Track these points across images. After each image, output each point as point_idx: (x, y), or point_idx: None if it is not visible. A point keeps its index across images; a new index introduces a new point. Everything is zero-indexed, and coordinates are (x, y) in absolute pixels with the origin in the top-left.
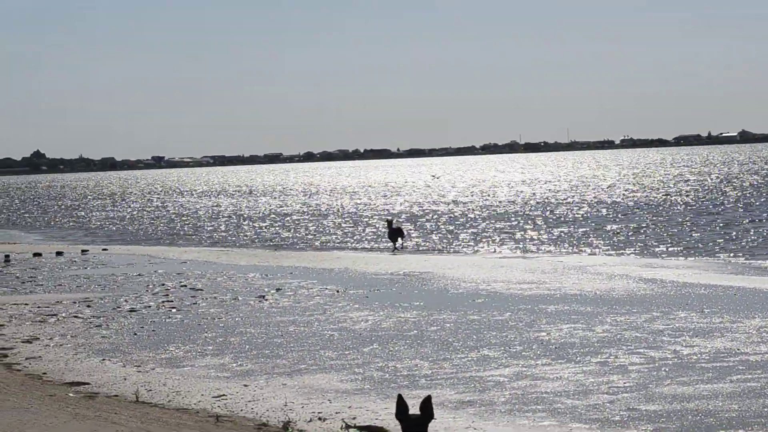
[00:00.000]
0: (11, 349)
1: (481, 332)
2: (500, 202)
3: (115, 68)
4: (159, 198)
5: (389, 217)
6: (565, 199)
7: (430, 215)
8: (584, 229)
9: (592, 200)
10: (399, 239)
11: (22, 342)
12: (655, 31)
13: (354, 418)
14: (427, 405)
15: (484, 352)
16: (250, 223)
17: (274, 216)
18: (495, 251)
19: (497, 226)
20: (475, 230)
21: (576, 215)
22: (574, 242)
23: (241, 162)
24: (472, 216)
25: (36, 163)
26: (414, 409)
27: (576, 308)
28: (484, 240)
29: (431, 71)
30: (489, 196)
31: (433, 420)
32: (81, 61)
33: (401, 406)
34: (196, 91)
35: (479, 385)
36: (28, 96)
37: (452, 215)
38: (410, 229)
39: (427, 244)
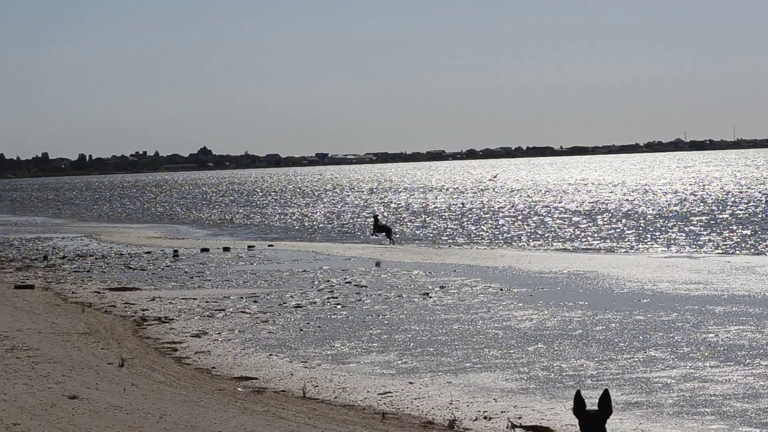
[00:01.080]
0: (181, 343)
1: (647, 333)
2: (665, 201)
3: (284, 65)
4: (324, 194)
5: (376, 214)
6: (731, 199)
7: (595, 214)
8: (751, 229)
9: (759, 199)
10: (386, 236)
11: (191, 336)
12: None
13: (519, 418)
14: (605, 400)
15: (651, 353)
16: (416, 219)
17: (437, 212)
18: (660, 251)
19: (663, 225)
20: (640, 229)
21: (743, 215)
22: (742, 242)
23: (403, 159)
24: (636, 215)
25: (203, 160)
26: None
27: (745, 309)
28: (649, 239)
29: (594, 64)
30: (655, 194)
31: (611, 415)
32: (250, 56)
33: (579, 401)
34: (361, 89)
35: (646, 386)
36: (196, 94)
37: (617, 214)
38: (581, 226)
39: (589, 243)
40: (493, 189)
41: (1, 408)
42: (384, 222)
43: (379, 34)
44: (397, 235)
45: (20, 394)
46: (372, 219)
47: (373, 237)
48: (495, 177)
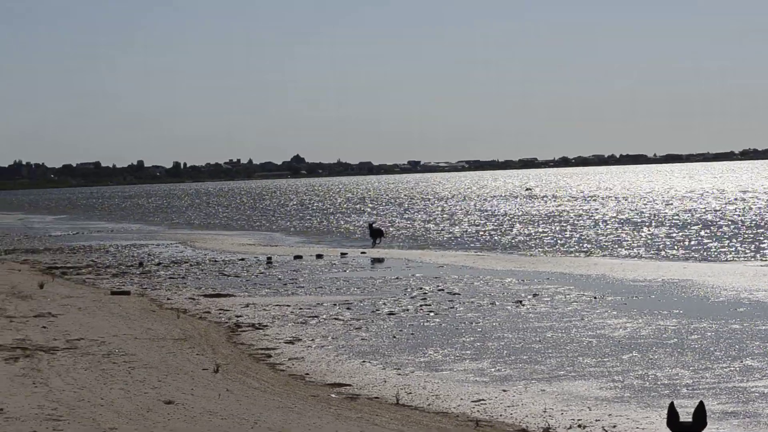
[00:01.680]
0: (275, 349)
1: (744, 342)
2: (762, 209)
3: (377, 73)
4: (414, 202)
5: (371, 220)
6: None
7: (689, 222)
8: None
9: None
10: (379, 238)
11: (285, 343)
12: None
13: (614, 427)
14: (700, 412)
15: (748, 363)
16: (503, 227)
17: (527, 221)
18: (757, 259)
19: (760, 233)
20: (736, 238)
21: None
22: None
23: (495, 167)
24: (732, 223)
25: (296, 167)
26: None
27: None
28: (745, 248)
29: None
30: (751, 202)
31: (705, 428)
32: (343, 65)
33: (672, 414)
34: (454, 97)
35: (743, 396)
36: (290, 102)
37: (713, 222)
38: (675, 235)
39: (684, 251)
40: (588, 197)
41: (98, 412)
42: (378, 227)
43: (472, 41)
44: (386, 237)
45: (117, 398)
46: (368, 226)
47: (376, 242)
48: (529, 189)
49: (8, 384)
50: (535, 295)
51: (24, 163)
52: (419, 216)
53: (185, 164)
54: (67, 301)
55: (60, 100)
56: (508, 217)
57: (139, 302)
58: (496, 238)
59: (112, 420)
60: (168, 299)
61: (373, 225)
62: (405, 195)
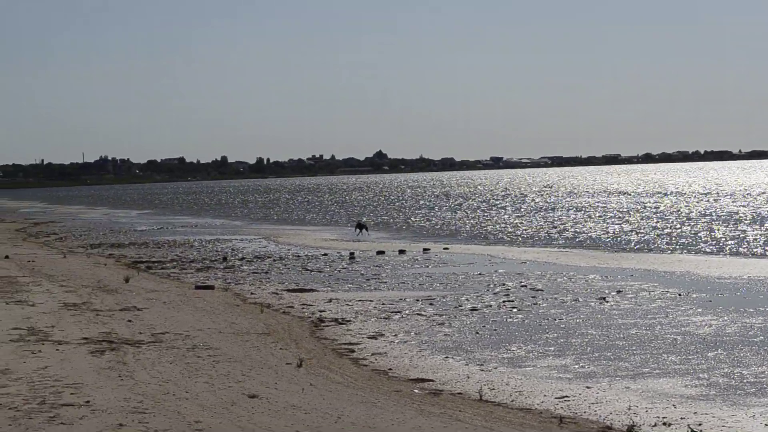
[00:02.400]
0: (358, 344)
1: None
2: None
3: (459, 69)
4: (497, 199)
5: (360, 221)
6: None
7: None
8: None
9: None
10: (364, 230)
11: (368, 338)
12: None
13: (700, 425)
14: None
15: None
16: (590, 224)
17: (611, 217)
18: None
19: None
20: None
21: None
22: None
23: (578, 163)
24: None
25: (378, 163)
26: None
27: None
28: None
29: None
30: None
31: None
32: (425, 61)
33: None
34: (535, 92)
35: None
36: (372, 99)
37: None
38: (761, 231)
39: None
40: (670, 193)
41: (183, 405)
42: (363, 222)
43: (552, 36)
44: (367, 231)
45: (201, 392)
46: (356, 222)
47: (358, 233)
48: (549, 186)
49: (95, 377)
50: (618, 291)
51: (110, 158)
52: (502, 212)
53: (268, 160)
54: (152, 295)
55: (145, 97)
56: (589, 213)
57: (223, 297)
58: (578, 234)
59: (197, 413)
60: (252, 294)
61: (361, 221)
62: (490, 191)
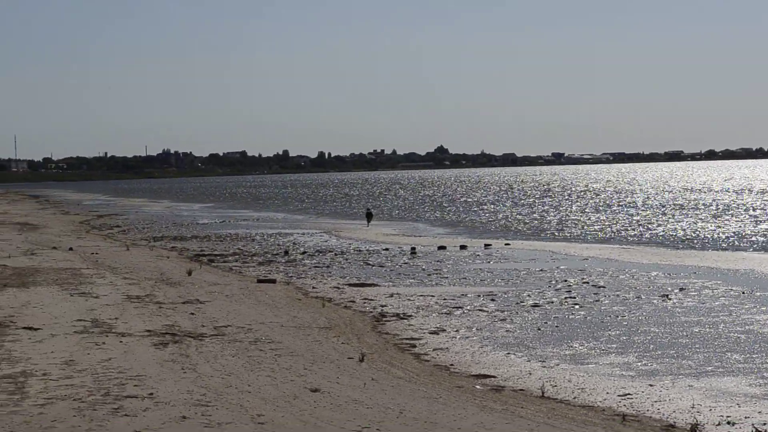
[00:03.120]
0: (419, 339)
1: None
2: None
3: (520, 65)
4: (561, 195)
5: (369, 209)
6: None
7: None
8: None
9: None
10: (371, 220)
11: (430, 333)
12: None
13: (764, 424)
14: None
15: None
16: (653, 219)
17: (674, 212)
18: None
19: None
20: None
21: None
22: None
23: (639, 159)
24: None
25: (439, 158)
26: None
27: None
28: None
29: None
30: None
31: None
32: (485, 57)
33: None
34: (597, 88)
35: None
36: (433, 93)
37: None
38: None
39: None
40: (735, 191)
41: (246, 399)
42: (370, 211)
43: (611, 34)
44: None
45: (264, 385)
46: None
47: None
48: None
49: (158, 369)
50: (681, 289)
51: (172, 152)
52: (564, 209)
53: (330, 154)
54: (215, 288)
55: (208, 92)
56: (652, 211)
57: (285, 290)
58: (640, 231)
59: (259, 406)
60: (313, 288)
61: (370, 211)
62: (555, 187)
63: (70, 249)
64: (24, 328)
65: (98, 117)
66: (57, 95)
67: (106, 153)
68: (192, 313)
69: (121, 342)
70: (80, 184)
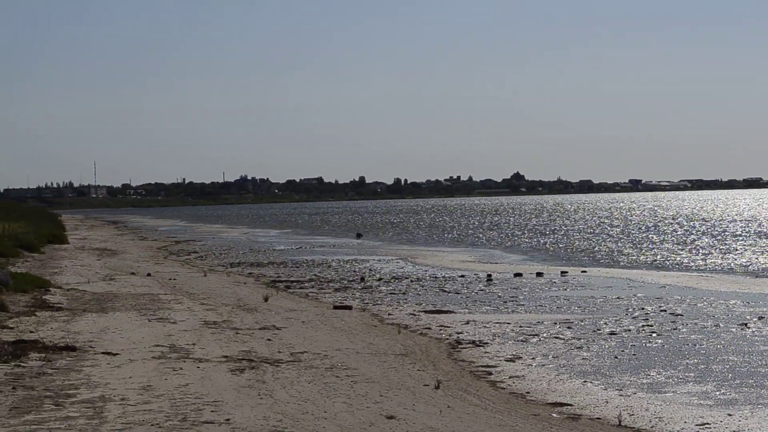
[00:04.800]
0: (495, 366)
1: None
2: None
3: (596, 89)
4: (637, 221)
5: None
6: None
7: None
8: None
9: None
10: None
11: (506, 360)
12: None
13: None
14: None
15: None
16: (731, 247)
17: (755, 240)
18: None
19: None
20: None
21: None
22: None
23: (718, 186)
24: None
25: (515, 185)
26: None
27: None
28: None
29: None
30: None
31: None
32: (561, 81)
33: None
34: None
35: None
36: (509, 119)
37: None
38: None
39: None
40: None
41: (321, 425)
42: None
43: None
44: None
45: (340, 412)
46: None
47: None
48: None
49: (235, 395)
50: (761, 317)
51: (249, 178)
52: (643, 236)
53: (406, 180)
54: (291, 314)
55: (284, 118)
56: (733, 238)
57: (361, 317)
58: (718, 258)
59: None
60: (389, 314)
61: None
62: (634, 214)
63: (148, 275)
64: (103, 353)
65: (176, 143)
66: (136, 122)
67: (183, 179)
68: (269, 339)
69: (198, 367)
70: (158, 209)
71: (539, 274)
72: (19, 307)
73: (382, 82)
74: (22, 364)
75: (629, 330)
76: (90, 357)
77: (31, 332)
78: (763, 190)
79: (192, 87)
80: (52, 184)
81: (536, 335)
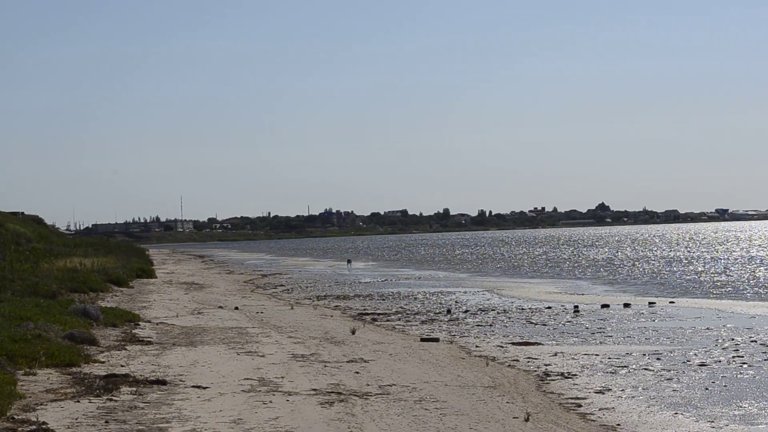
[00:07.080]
0: (584, 398)
1: None
2: None
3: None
4: (725, 251)
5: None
6: None
7: None
8: None
9: None
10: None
11: (595, 392)
12: None
13: None
14: None
15: None
16: None
17: None
18: None
19: None
20: None
21: None
22: None
23: None
24: None
25: (600, 216)
26: None
27: None
28: None
29: None
30: None
31: None
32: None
33: None
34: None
35: None
36: (591, 150)
37: None
38: None
39: None
40: None
41: None
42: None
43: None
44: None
45: None
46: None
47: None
48: None
49: (324, 427)
50: None
51: (334, 211)
52: (729, 265)
53: (490, 212)
54: (378, 347)
55: (369, 151)
56: None
57: (448, 349)
58: None
59: None
60: (476, 347)
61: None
62: (722, 246)
63: (236, 308)
64: (193, 386)
65: (261, 177)
66: (221, 157)
67: (269, 213)
68: (357, 372)
69: (287, 401)
70: (244, 243)
71: (626, 305)
72: (110, 341)
73: (465, 113)
74: (114, 398)
75: (719, 361)
76: (180, 390)
77: (122, 366)
78: None
79: (277, 123)
80: (139, 219)
81: (625, 367)
